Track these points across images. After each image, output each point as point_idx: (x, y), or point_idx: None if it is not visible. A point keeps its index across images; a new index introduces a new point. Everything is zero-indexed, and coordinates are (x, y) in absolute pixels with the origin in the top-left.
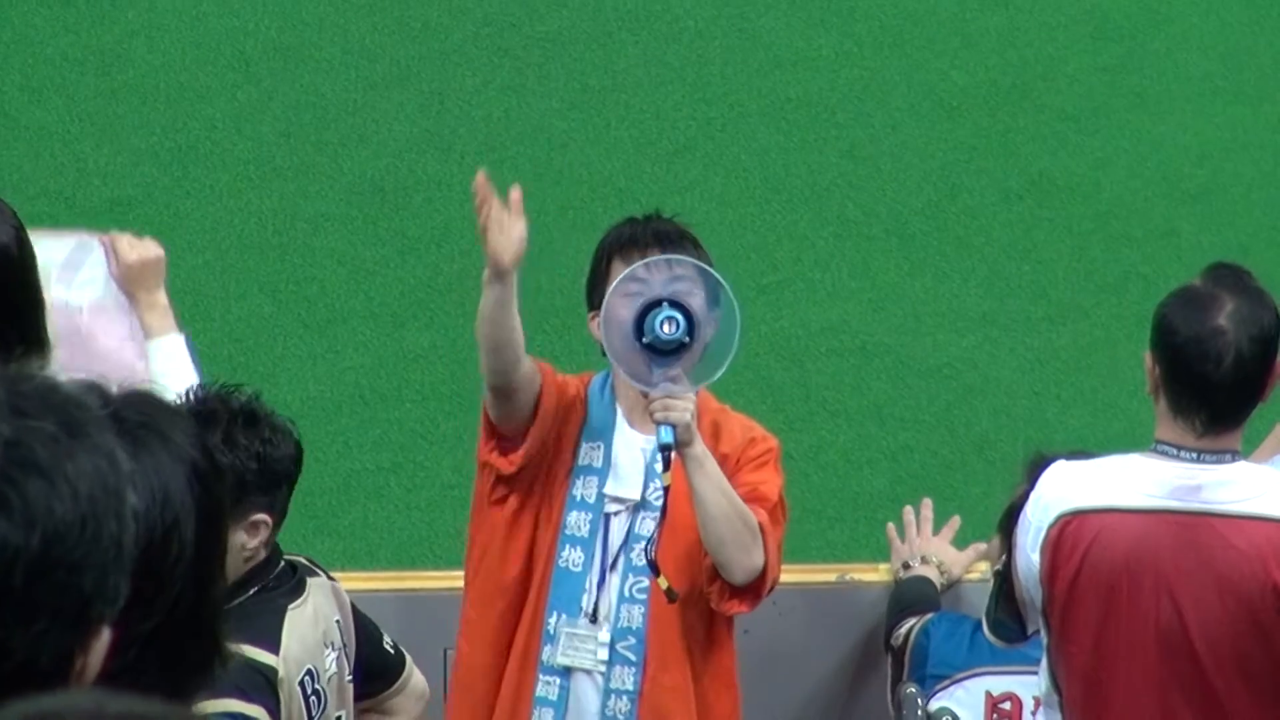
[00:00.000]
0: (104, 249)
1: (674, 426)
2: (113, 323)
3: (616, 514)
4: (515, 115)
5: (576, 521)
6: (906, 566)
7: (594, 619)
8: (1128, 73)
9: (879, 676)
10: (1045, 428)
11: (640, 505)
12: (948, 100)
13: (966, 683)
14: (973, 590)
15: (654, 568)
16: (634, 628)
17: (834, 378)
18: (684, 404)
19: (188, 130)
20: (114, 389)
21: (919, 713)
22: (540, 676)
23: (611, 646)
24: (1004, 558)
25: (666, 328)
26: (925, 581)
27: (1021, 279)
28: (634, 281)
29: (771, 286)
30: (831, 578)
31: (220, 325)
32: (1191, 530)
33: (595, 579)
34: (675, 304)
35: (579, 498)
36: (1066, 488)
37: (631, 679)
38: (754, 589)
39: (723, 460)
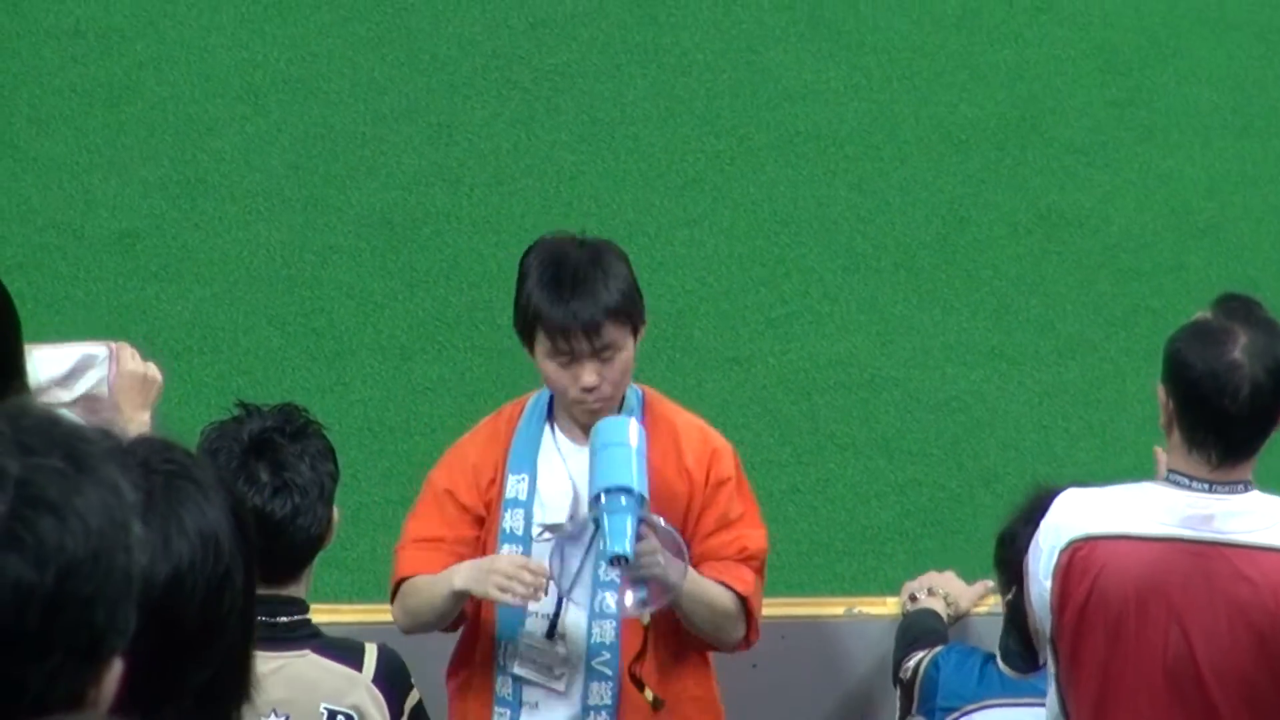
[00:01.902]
0: (110, 356)
1: (649, 592)
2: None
3: (547, 541)
4: (524, 148)
5: (510, 553)
6: (914, 599)
7: (550, 635)
8: (1136, 107)
9: (887, 710)
10: (1054, 462)
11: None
12: (956, 134)
13: (975, 715)
14: (980, 624)
15: (638, 682)
16: (607, 643)
17: (842, 411)
18: (661, 566)
19: (196, 162)
20: (126, 438)
21: None
22: (495, 709)
23: (588, 664)
24: (1014, 588)
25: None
26: (932, 615)
27: (1030, 312)
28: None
29: (780, 319)
30: (839, 611)
31: (228, 357)
32: (1203, 560)
33: (551, 606)
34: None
35: (508, 530)
36: (1079, 513)
37: (610, 693)
38: (745, 643)
39: (686, 474)
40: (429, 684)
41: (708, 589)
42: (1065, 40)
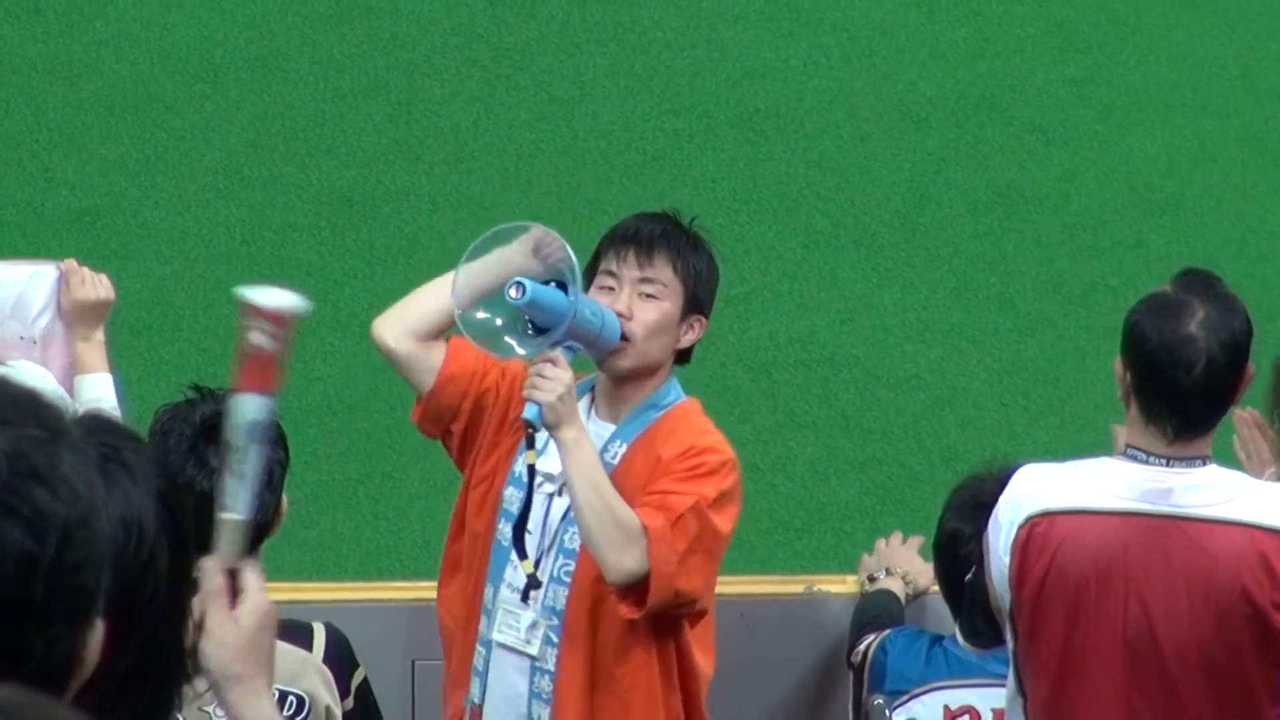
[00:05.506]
0: (58, 277)
1: (538, 405)
2: (59, 354)
3: (548, 493)
4: (483, 126)
5: (510, 496)
6: (872, 579)
7: (524, 598)
8: (1095, 85)
9: (845, 688)
10: (1013, 439)
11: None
12: (916, 112)
13: (924, 697)
14: (938, 602)
15: (519, 549)
16: (558, 609)
17: (802, 389)
18: (550, 383)
19: (155, 140)
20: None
21: None
22: (478, 648)
23: (541, 626)
24: (975, 567)
25: (513, 292)
26: (889, 595)
27: (989, 290)
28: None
29: (739, 298)
30: (799, 589)
31: (188, 335)
32: (1161, 534)
33: (534, 557)
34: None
35: (517, 473)
36: (1037, 489)
37: (552, 660)
38: (637, 593)
39: (655, 463)
40: (372, 662)
41: (607, 483)
42: (1024, 18)
